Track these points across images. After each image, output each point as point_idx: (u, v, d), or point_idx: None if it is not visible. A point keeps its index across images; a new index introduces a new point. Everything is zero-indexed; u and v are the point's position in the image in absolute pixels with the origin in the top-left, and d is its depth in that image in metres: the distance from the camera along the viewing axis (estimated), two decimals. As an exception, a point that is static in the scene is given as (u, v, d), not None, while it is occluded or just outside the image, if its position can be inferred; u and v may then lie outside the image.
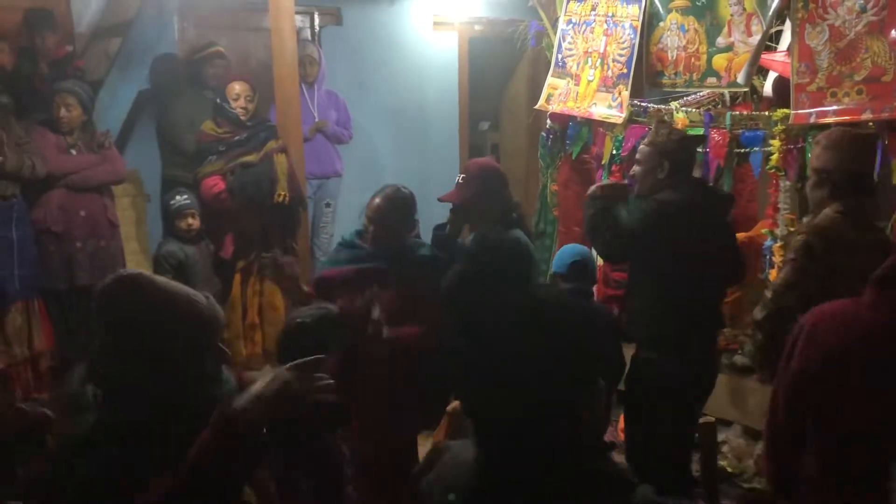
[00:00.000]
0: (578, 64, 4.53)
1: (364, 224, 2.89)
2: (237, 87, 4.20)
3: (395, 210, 2.86)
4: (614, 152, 4.30)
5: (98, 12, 4.85)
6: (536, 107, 4.74)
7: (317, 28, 6.14)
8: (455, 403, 2.05)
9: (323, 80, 5.45)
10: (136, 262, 4.33)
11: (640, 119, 4.19)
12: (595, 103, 4.38)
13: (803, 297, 2.61)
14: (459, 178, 3.05)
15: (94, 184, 4.13)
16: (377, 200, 2.87)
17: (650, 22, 4.20)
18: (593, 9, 4.44)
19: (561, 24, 4.61)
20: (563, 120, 4.61)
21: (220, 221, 4.16)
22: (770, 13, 3.71)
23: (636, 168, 3.10)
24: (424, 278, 2.77)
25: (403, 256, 2.86)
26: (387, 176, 6.54)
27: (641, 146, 3.14)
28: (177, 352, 1.46)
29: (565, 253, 3.33)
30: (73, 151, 4.07)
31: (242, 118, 4.18)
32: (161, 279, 1.54)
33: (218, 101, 4.22)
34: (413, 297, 2.74)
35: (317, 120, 5.24)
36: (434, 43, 6.71)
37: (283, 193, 4.12)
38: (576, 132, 4.56)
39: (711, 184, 3.76)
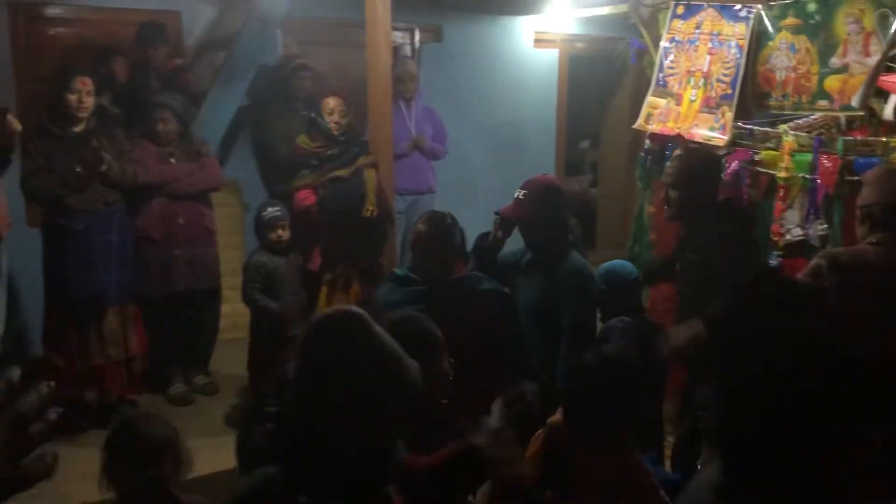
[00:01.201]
0: (680, 83, 4.36)
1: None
2: (331, 103, 4.24)
3: (436, 237, 2.79)
4: (716, 176, 4.10)
5: (206, 26, 5.03)
6: (634, 126, 4.59)
7: (417, 44, 6.18)
8: (556, 417, 1.96)
9: (420, 96, 5.46)
10: (233, 270, 4.43)
11: (744, 142, 3.99)
12: (697, 124, 4.20)
13: None
14: (520, 193, 2.99)
15: (192, 192, 4.24)
16: (417, 227, 2.83)
17: (758, 41, 3.99)
18: (697, 27, 4.26)
19: (663, 42, 4.45)
20: (662, 140, 4.45)
21: (310, 234, 4.20)
22: (891, 32, 3.46)
23: (672, 193, 3.05)
24: (478, 312, 2.68)
25: (451, 286, 2.76)
26: (480, 192, 6.49)
27: (666, 174, 3.08)
28: (369, 400, 1.44)
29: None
30: (173, 161, 4.19)
31: (335, 133, 4.22)
32: (374, 328, 1.51)
33: (312, 115, 4.28)
34: (467, 332, 2.60)
35: (414, 136, 5.25)
36: (534, 60, 6.66)
37: (371, 208, 4.13)
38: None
39: (814, 213, 3.57)
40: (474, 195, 6.45)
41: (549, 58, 6.74)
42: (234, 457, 3.19)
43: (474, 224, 6.25)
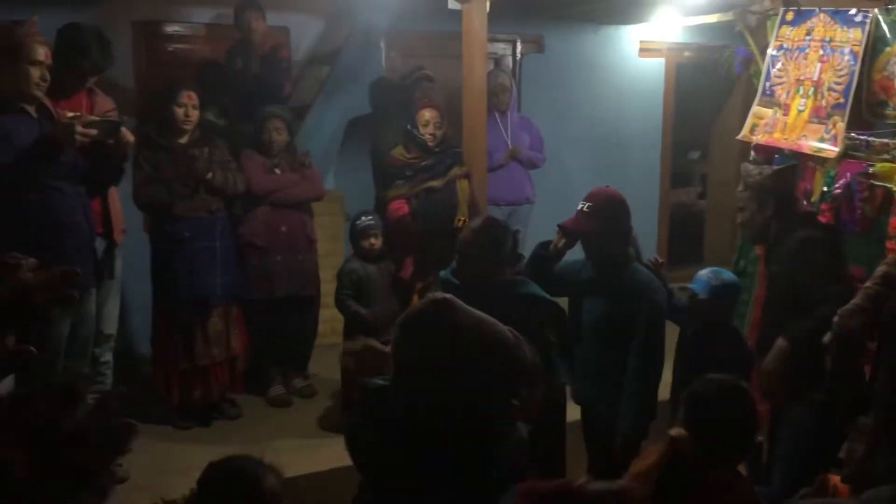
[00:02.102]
0: (788, 93, 4.17)
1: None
2: (426, 114, 4.30)
3: (483, 242, 2.78)
4: (825, 189, 3.89)
5: (313, 41, 5.21)
6: (739, 137, 4.43)
7: (518, 55, 6.18)
8: (679, 431, 1.94)
9: (515, 106, 5.46)
10: (332, 277, 4.55)
11: (857, 153, 3.77)
12: (805, 135, 4.01)
13: (867, 324, 2.57)
14: (585, 206, 2.94)
15: (295, 201, 4.38)
16: (465, 231, 2.83)
17: (874, 47, 3.77)
18: (808, 33, 4.07)
19: (771, 50, 4.28)
20: (768, 152, 4.27)
21: (402, 243, 4.27)
22: None
23: (740, 216, 3.01)
24: (511, 314, 2.65)
25: (493, 292, 2.68)
26: (578, 203, 6.42)
27: (739, 191, 2.98)
28: (474, 382, 1.43)
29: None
30: (278, 171, 4.35)
31: (430, 144, 4.27)
32: (475, 311, 1.51)
33: (408, 126, 4.35)
34: None
35: (510, 146, 5.25)
36: (639, 69, 6.53)
37: (462, 219, 4.15)
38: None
39: None
40: (573, 205, 6.38)
41: (654, 67, 6.59)
42: (332, 457, 3.27)
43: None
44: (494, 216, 2.91)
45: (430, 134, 4.28)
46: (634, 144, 6.60)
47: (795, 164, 3.64)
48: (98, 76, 3.85)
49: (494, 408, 1.43)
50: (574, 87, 6.28)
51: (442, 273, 2.96)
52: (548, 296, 2.84)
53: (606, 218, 2.89)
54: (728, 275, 3.26)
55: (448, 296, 1.53)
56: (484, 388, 1.42)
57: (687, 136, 7.59)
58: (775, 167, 3.44)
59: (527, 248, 5.44)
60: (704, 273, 3.25)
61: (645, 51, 6.51)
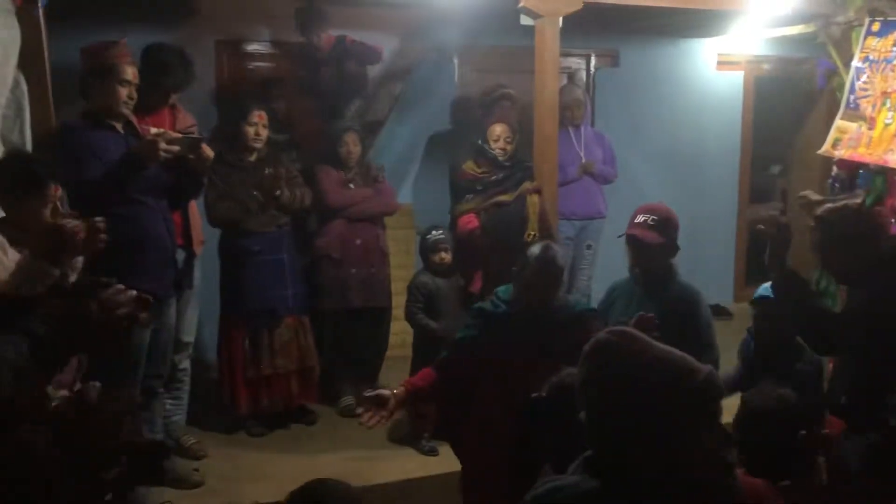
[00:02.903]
0: (874, 106, 4.03)
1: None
2: (497, 129, 4.32)
3: (547, 269, 2.79)
4: (914, 206, 3.75)
5: (387, 58, 5.29)
6: (820, 152, 4.29)
7: (592, 70, 6.15)
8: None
9: (589, 121, 5.42)
10: (403, 290, 4.59)
11: (947, 170, 3.61)
12: (892, 150, 3.86)
13: None
14: (648, 218, 3.01)
15: (369, 215, 4.46)
16: (526, 262, 2.82)
17: (966, 57, 3.62)
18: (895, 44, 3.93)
19: (855, 62, 4.14)
20: (851, 167, 4.13)
21: (472, 257, 4.28)
22: None
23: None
24: (565, 338, 2.59)
25: (552, 315, 2.78)
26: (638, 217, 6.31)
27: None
28: (661, 416, 1.40)
29: None
30: (352, 186, 4.44)
31: (500, 159, 4.29)
32: (654, 344, 1.50)
33: (479, 141, 4.37)
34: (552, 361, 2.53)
35: (583, 160, 5.21)
36: (717, 82, 6.41)
37: (532, 233, 4.14)
38: (867, 181, 4.05)
39: None
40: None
41: (732, 80, 6.46)
42: (400, 469, 3.29)
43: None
44: (545, 241, 2.94)
45: (501, 149, 4.30)
46: (711, 160, 6.47)
47: (861, 203, 3.51)
48: (180, 92, 4.00)
49: (686, 444, 1.39)
50: (649, 101, 6.20)
51: (477, 305, 3.03)
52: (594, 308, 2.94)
53: (669, 231, 3.01)
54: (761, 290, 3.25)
55: (630, 329, 1.53)
56: (674, 424, 1.39)
57: (767, 151, 7.39)
58: (840, 201, 3.29)
59: (598, 263, 5.44)
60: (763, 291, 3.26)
61: (723, 64, 6.39)
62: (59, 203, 2.63)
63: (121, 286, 1.47)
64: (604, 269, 5.77)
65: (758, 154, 6.93)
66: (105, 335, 1.32)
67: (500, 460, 2.64)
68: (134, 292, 1.49)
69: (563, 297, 2.93)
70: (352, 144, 4.42)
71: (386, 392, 2.81)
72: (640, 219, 3.04)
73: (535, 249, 2.84)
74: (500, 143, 4.29)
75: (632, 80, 6.16)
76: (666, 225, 3.01)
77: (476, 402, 2.86)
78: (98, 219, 2.20)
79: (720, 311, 6.08)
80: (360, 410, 2.81)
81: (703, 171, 6.44)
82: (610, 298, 3.24)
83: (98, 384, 1.31)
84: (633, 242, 3.04)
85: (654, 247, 2.98)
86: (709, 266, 6.45)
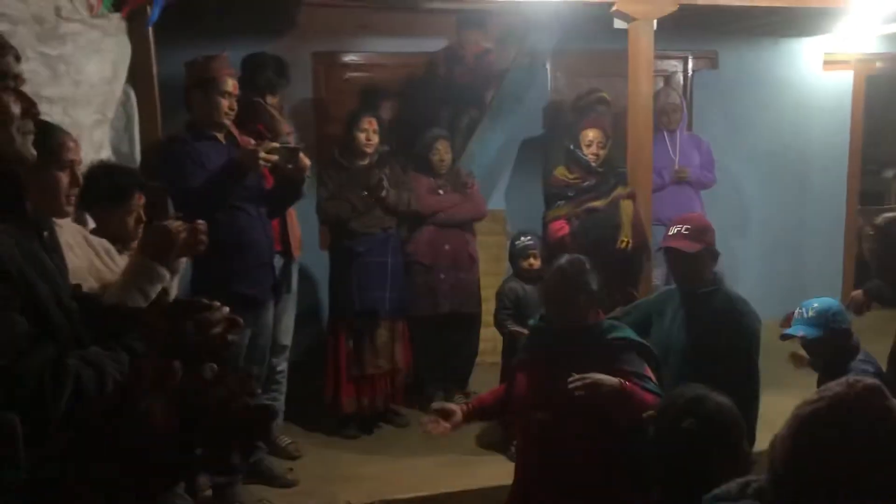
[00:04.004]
0: None
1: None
2: (590, 134, 4.28)
3: (568, 281, 2.64)
4: None
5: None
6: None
7: (690, 72, 6.00)
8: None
9: (685, 125, 5.29)
10: (493, 296, 4.61)
11: None
12: None
13: None
14: (682, 228, 2.92)
15: (458, 221, 4.50)
16: (549, 273, 2.74)
17: None
18: None
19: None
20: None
21: (563, 264, 4.23)
22: None
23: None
24: (602, 361, 2.53)
25: (583, 337, 2.63)
26: (753, 224, 6.12)
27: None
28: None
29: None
30: (441, 192, 4.49)
31: (593, 164, 4.24)
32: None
33: (571, 147, 4.33)
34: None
35: (677, 167, 5.09)
36: (823, 83, 6.15)
37: (625, 240, 4.08)
38: None
39: None
40: (748, 225, 6.10)
41: (840, 80, 6.18)
42: (489, 475, 3.29)
43: (746, 254, 5.92)
44: (579, 255, 2.77)
45: (594, 154, 4.25)
46: (817, 163, 6.21)
47: None
48: (274, 95, 4.11)
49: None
50: (750, 103, 6.01)
51: (531, 321, 2.94)
52: (639, 338, 2.72)
53: (705, 238, 2.92)
54: (821, 302, 3.00)
55: (876, 381, 1.41)
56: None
57: (877, 153, 7.03)
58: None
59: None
60: (795, 313, 3.05)
61: (830, 63, 6.12)
62: (142, 211, 2.75)
63: (216, 303, 1.52)
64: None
65: (869, 157, 6.60)
66: (201, 355, 1.37)
67: (549, 477, 2.61)
68: (227, 309, 1.55)
69: (602, 321, 2.72)
70: (443, 152, 4.48)
71: (452, 406, 2.81)
72: (673, 230, 2.96)
73: (561, 261, 2.72)
74: (593, 149, 4.25)
75: (732, 82, 5.98)
76: (701, 233, 2.93)
77: (527, 418, 2.74)
78: (199, 221, 2.29)
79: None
80: (424, 419, 2.82)
81: (809, 176, 6.19)
82: (659, 302, 3.14)
83: (214, 366, 1.36)
84: (670, 253, 2.96)
85: (691, 255, 2.88)
86: (815, 272, 6.19)
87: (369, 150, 4.22)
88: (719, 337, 2.81)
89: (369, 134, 4.18)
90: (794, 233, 6.27)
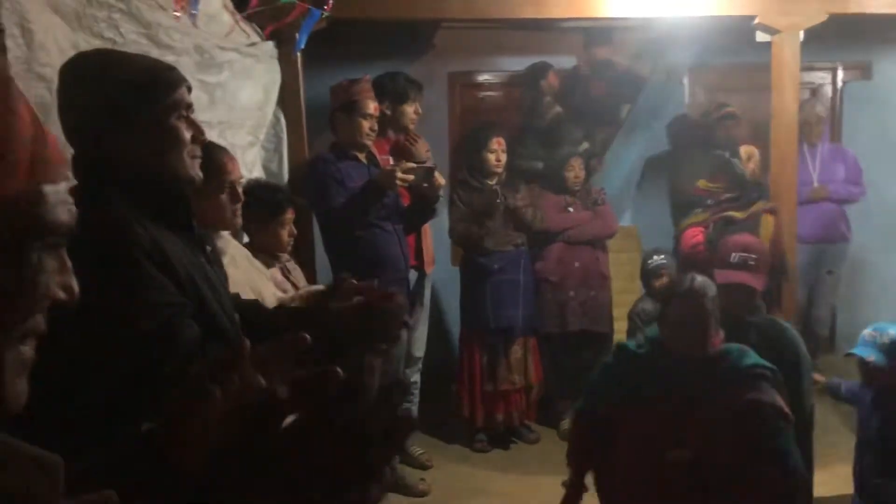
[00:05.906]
0: None
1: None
2: (749, 150, 4.21)
3: (695, 308, 2.36)
4: None
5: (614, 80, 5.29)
6: None
7: (839, 84, 5.70)
8: None
9: (828, 138, 5.04)
10: (624, 315, 4.55)
11: None
12: None
13: None
14: (749, 258, 2.71)
15: (588, 238, 4.48)
16: (670, 296, 2.48)
17: None
18: None
19: None
20: None
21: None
22: None
23: None
24: (738, 392, 2.32)
25: (705, 367, 2.36)
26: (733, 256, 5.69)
27: None
28: None
29: None
30: (571, 209, 4.49)
31: (748, 179, 4.16)
32: None
33: (727, 156, 4.23)
34: (721, 416, 2.28)
35: (815, 183, 4.87)
36: None
37: (760, 256, 3.93)
38: None
39: None
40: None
41: None
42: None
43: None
44: (700, 276, 2.47)
45: (752, 170, 4.19)
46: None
47: None
48: (409, 108, 4.18)
49: None
50: (907, 114, 5.63)
51: (621, 342, 2.76)
52: (770, 364, 2.42)
53: (769, 270, 2.80)
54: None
55: None
56: None
57: None
58: None
59: (845, 292, 5.02)
60: (867, 333, 2.82)
61: None
62: (293, 226, 2.92)
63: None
64: (848, 300, 5.32)
65: None
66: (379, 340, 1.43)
67: None
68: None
69: (724, 344, 2.45)
70: (578, 169, 4.48)
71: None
72: (735, 258, 2.71)
73: (684, 282, 2.44)
74: (751, 164, 4.20)
75: (888, 92, 5.63)
76: (767, 262, 2.76)
77: (617, 451, 2.50)
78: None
79: None
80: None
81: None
82: None
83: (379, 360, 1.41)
84: (731, 286, 2.65)
85: (759, 292, 2.69)
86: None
87: (499, 170, 4.29)
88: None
89: (498, 154, 4.25)
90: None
